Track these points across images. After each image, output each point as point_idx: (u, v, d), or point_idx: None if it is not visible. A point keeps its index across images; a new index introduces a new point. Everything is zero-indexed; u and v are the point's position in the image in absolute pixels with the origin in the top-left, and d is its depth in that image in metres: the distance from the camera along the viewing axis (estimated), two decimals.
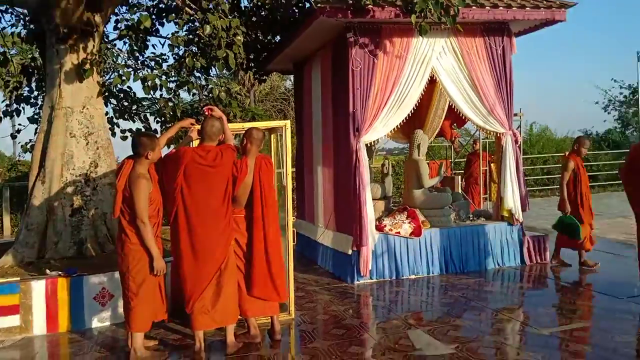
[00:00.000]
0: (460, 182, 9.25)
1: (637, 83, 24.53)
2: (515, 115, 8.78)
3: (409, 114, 6.76)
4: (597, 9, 52.67)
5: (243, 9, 7.73)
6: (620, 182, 7.26)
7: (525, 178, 18.28)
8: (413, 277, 6.77)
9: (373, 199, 7.45)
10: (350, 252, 6.54)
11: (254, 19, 7.58)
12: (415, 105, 6.77)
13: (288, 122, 5.08)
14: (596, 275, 6.54)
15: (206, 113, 4.54)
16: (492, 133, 7.16)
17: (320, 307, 5.61)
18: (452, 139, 9.94)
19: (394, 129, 7.09)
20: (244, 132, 4.75)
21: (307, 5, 7.64)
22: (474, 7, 6.34)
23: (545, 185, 18.29)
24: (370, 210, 6.51)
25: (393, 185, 13.34)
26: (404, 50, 6.56)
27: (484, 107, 6.89)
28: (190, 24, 6.93)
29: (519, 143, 7.19)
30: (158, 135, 4.93)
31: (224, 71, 9.82)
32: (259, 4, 7.51)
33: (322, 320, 5.21)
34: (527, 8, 6.58)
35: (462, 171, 11.19)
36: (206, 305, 4.25)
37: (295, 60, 8.55)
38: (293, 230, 5.63)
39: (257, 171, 4.59)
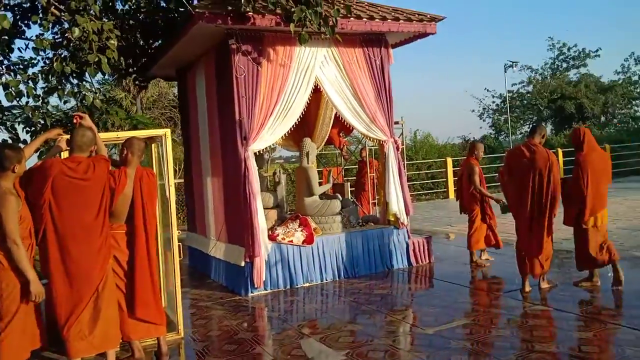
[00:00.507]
0: (349, 189, 9.45)
1: (506, 92, 26.84)
2: (397, 123, 9.17)
3: (297, 122, 6.78)
4: (471, 23, 57.36)
5: (118, 11, 7.31)
6: (498, 184, 7.81)
7: (412, 183, 19.24)
8: (307, 285, 6.76)
9: (265, 208, 7.38)
10: (243, 263, 6.39)
11: (131, 22, 7.18)
12: (303, 113, 6.82)
13: (168, 130, 4.85)
14: (478, 273, 6.96)
15: (75, 122, 4.17)
16: (375, 140, 7.39)
17: (212, 323, 5.40)
18: (341, 146, 10.15)
19: (283, 137, 7.08)
20: (121, 142, 4.44)
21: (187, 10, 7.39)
22: (351, 19, 6.52)
23: (431, 189, 19.37)
24: (262, 220, 6.42)
25: (290, 194, 13.37)
26: (288, 58, 6.58)
27: (366, 115, 7.09)
28: (59, 26, 6.41)
29: (400, 150, 7.48)
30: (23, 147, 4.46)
31: (107, 77, 9.23)
32: (135, 7, 7.14)
33: (214, 336, 5.01)
34: (401, 21, 6.91)
35: (354, 178, 11.50)
36: (83, 330, 3.90)
37: (179, 66, 8.26)
38: (181, 245, 5.37)
39: (137, 182, 4.31)
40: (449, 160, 18.50)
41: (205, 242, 7.76)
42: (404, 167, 9.89)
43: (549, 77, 35.97)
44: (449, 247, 8.91)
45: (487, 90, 35.18)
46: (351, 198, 10.54)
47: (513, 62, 21.11)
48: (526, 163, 5.62)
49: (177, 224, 4.90)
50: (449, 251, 8.51)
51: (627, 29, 52.60)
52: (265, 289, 6.52)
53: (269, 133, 6.53)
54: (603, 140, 23.66)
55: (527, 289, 5.74)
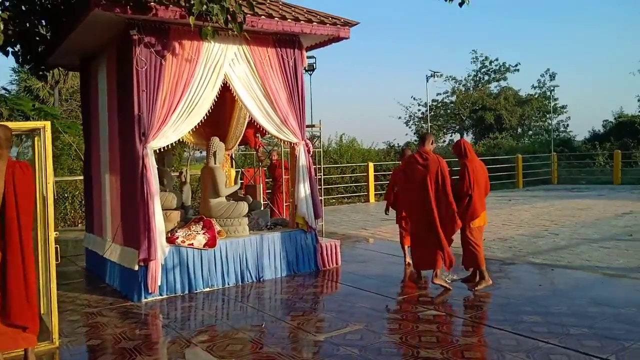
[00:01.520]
0: (261, 191, 9.28)
1: (428, 101, 27.67)
2: (314, 126, 9.12)
3: (204, 120, 6.56)
4: (400, 32, 58.93)
5: None
6: None
7: (336, 186, 19.33)
8: (208, 290, 6.52)
9: (168, 209, 7.07)
10: (136, 267, 6.06)
11: (23, 7, 6.65)
12: (211, 110, 6.56)
13: (49, 122, 4.48)
14: (377, 277, 7.00)
15: None
16: (287, 142, 7.28)
17: (94, 331, 5.04)
18: (257, 147, 9.97)
19: (191, 134, 6.80)
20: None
21: None
22: (262, 17, 6.38)
23: (354, 192, 19.58)
24: (159, 222, 6.12)
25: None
26: (195, 53, 6.33)
27: (278, 117, 6.97)
28: None
29: (312, 153, 7.41)
30: None
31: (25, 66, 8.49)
32: None
33: (92, 346, 4.67)
34: (314, 23, 6.84)
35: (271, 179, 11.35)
36: None
37: (83, 55, 7.77)
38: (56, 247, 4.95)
39: (9, 177, 3.93)
40: (371, 165, 18.76)
41: (101, 244, 7.32)
42: (321, 170, 9.92)
43: (471, 89, 37.56)
44: (363, 251, 8.95)
45: (414, 98, 36.23)
46: (264, 200, 10.40)
47: (434, 72, 21.77)
48: (421, 169, 6.07)
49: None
50: (360, 255, 8.54)
51: (544, 45, 56.06)
52: (161, 295, 6.22)
53: (171, 130, 6.25)
54: (517, 150, 24.94)
55: (418, 280, 6.47)
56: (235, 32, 5.75)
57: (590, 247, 8.61)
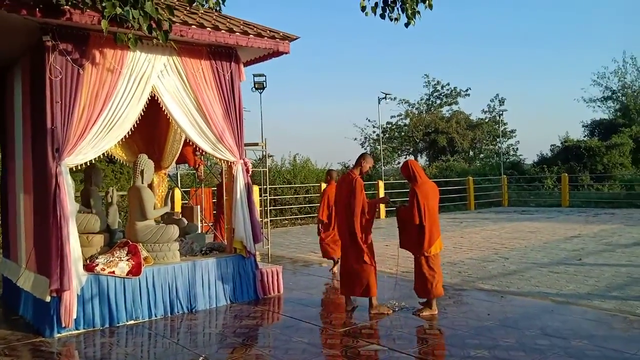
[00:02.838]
0: (198, 213, 8.71)
1: (379, 122, 27.73)
2: (256, 144, 8.68)
3: (136, 136, 6.01)
4: (354, 53, 59.60)
5: None
6: None
7: (289, 207, 18.90)
8: (132, 322, 5.89)
9: (90, 233, 6.43)
10: (48, 298, 5.38)
11: None
12: (144, 126, 6.04)
13: None
14: (321, 305, 6.54)
15: None
16: (223, 161, 6.79)
17: None
18: (196, 166, 9.40)
19: (124, 151, 6.18)
20: None
21: None
22: (193, 26, 5.92)
23: (308, 213, 19.12)
24: (75, 247, 5.49)
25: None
26: (118, 63, 5.79)
27: (213, 133, 6.48)
28: None
29: (250, 172, 6.93)
30: None
31: None
32: None
33: None
34: (251, 35, 6.44)
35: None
36: None
37: (1, 64, 7.08)
38: None
39: None
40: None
41: (16, 271, 6.58)
42: (267, 191, 9.44)
43: (424, 112, 38.04)
44: (308, 277, 8.47)
45: (368, 120, 36.32)
46: (206, 223, 9.80)
47: (386, 94, 21.74)
48: (338, 191, 6.26)
49: None
50: (305, 281, 8.05)
51: (493, 70, 57.73)
52: (77, 329, 5.55)
53: (90, 146, 5.65)
54: (469, 173, 25.17)
55: (349, 307, 6.13)
56: (160, 41, 5.25)
57: (540, 272, 8.42)
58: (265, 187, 9.65)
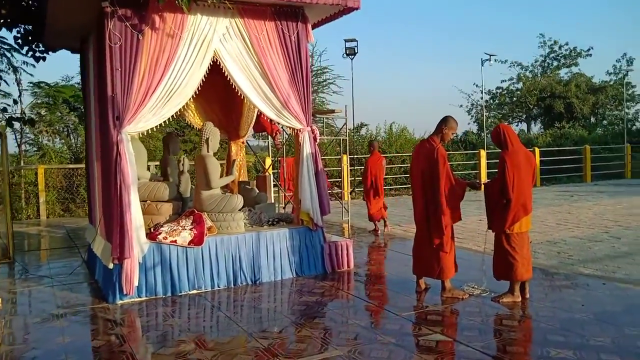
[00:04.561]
0: (271, 182, 8.51)
1: (482, 86, 25.86)
2: (335, 112, 8.24)
3: (212, 102, 5.86)
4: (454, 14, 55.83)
5: None
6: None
7: (385, 177, 18.47)
8: (194, 292, 5.85)
9: (159, 201, 6.47)
10: (111, 265, 5.47)
11: None
12: (221, 92, 5.89)
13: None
14: (391, 283, 6.07)
15: None
16: (291, 129, 6.46)
17: (36, 343, 4.43)
18: (274, 134, 9.18)
19: (200, 118, 6.05)
20: None
21: None
22: None
23: (403, 184, 18.45)
24: (136, 215, 5.49)
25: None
26: (178, 28, 5.60)
27: (277, 99, 6.15)
28: None
29: (318, 141, 6.52)
30: None
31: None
32: None
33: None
34: None
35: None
36: None
37: (82, 37, 7.26)
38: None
39: None
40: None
41: (93, 236, 6.83)
42: (347, 160, 8.98)
43: (539, 75, 35.00)
44: (386, 252, 8.00)
45: (476, 85, 34.09)
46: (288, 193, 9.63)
47: (490, 55, 20.04)
48: (415, 160, 5.58)
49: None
50: (382, 255, 7.60)
51: (619, 30, 51.36)
52: (140, 296, 5.60)
53: (151, 113, 5.58)
54: (587, 141, 22.80)
55: (420, 289, 5.66)
56: (216, 2, 4.95)
57: None
58: (347, 156, 9.22)
